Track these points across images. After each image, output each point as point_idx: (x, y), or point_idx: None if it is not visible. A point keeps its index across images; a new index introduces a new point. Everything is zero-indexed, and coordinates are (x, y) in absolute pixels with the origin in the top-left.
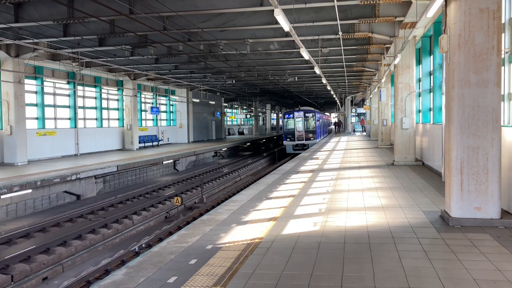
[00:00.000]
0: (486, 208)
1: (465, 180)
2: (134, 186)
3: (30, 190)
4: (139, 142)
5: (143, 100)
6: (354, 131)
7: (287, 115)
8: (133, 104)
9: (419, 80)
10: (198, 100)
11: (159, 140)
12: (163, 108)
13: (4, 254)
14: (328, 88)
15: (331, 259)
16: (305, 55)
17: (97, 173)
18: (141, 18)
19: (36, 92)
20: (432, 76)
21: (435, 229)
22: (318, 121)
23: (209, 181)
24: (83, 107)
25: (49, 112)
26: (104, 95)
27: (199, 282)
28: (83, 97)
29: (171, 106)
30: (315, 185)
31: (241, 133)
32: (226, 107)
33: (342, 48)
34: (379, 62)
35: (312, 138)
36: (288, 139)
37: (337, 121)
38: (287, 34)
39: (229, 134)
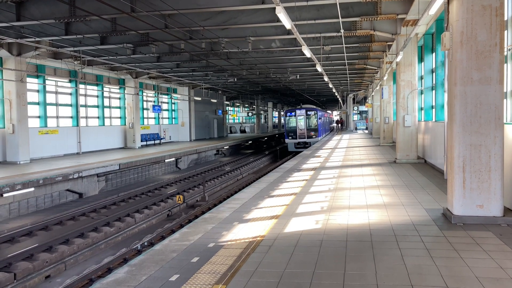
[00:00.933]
0: (489, 206)
1: (467, 178)
2: (136, 184)
3: (32, 189)
4: (141, 141)
5: (145, 98)
6: (356, 129)
7: (289, 113)
8: (135, 102)
9: (421, 78)
10: (200, 98)
11: (161, 139)
12: (165, 106)
13: (7, 252)
14: (330, 86)
15: (333, 257)
16: (307, 53)
17: (99, 171)
18: (143, 17)
19: (38, 91)
20: (434, 73)
21: (437, 227)
22: (320, 119)
23: (211, 179)
24: (85, 106)
25: (51, 110)
26: (106, 94)
27: (201, 280)
28: (85, 95)
29: (173, 105)
30: (317, 183)
31: (243, 131)
32: (227, 105)
33: (344, 45)
34: (381, 59)
35: (314, 136)
36: (290, 137)
37: (339, 119)
38: (289, 32)
39: (231, 132)
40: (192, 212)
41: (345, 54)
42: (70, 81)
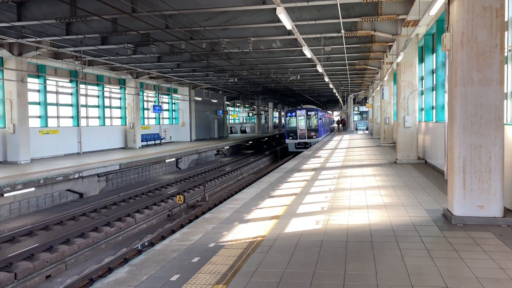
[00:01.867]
0: (489, 206)
1: (467, 179)
2: (136, 184)
3: (33, 189)
4: (142, 141)
5: (145, 98)
6: (356, 129)
7: (289, 114)
8: (135, 102)
9: (422, 78)
10: (200, 99)
11: (162, 139)
12: (165, 106)
13: (8, 252)
14: (331, 86)
15: (333, 257)
16: (308, 53)
17: (99, 171)
18: (144, 17)
19: (38, 91)
20: (434, 74)
21: (438, 227)
22: (320, 119)
23: (212, 179)
24: (86, 106)
25: (51, 110)
26: (106, 94)
27: (201, 280)
28: (86, 95)
29: (173, 105)
30: (317, 184)
31: (243, 131)
32: (228, 105)
33: (344, 46)
34: (381, 60)
35: (314, 137)
36: (290, 138)
37: (340, 119)
38: (290, 32)
39: (231, 132)
40: (192, 212)
41: (345, 55)
42: (70, 81)
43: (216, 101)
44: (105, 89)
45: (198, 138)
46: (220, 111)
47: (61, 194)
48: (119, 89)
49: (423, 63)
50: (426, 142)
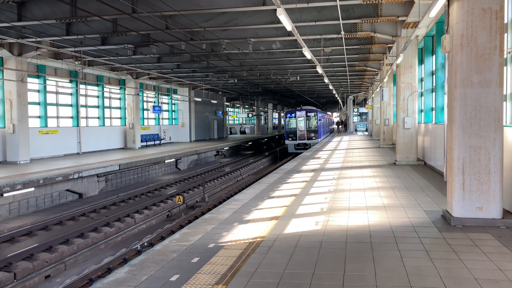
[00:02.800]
0: (488, 208)
1: (467, 180)
2: (136, 184)
3: (32, 189)
4: (141, 141)
5: (145, 99)
6: (356, 130)
7: (289, 115)
8: (135, 103)
9: (421, 80)
10: (200, 99)
11: (161, 139)
12: (165, 107)
13: (7, 252)
14: (330, 87)
15: (332, 258)
16: (308, 54)
17: (99, 171)
18: (144, 17)
19: (38, 91)
20: (434, 75)
21: (437, 228)
22: (320, 120)
23: (211, 180)
24: (86, 106)
25: (51, 110)
26: (106, 94)
27: (201, 280)
28: (86, 95)
29: (173, 105)
30: (317, 185)
31: (243, 132)
32: (228, 106)
33: (344, 47)
34: (381, 61)
35: (314, 138)
36: (290, 139)
37: (339, 120)
38: (290, 34)
39: (231, 133)
40: (192, 212)
41: (345, 56)
42: (70, 81)
43: (215, 101)
44: (105, 89)
45: (197, 139)
46: (220, 112)
47: (61, 194)
48: (119, 89)
49: (422, 65)
50: (426, 144)
